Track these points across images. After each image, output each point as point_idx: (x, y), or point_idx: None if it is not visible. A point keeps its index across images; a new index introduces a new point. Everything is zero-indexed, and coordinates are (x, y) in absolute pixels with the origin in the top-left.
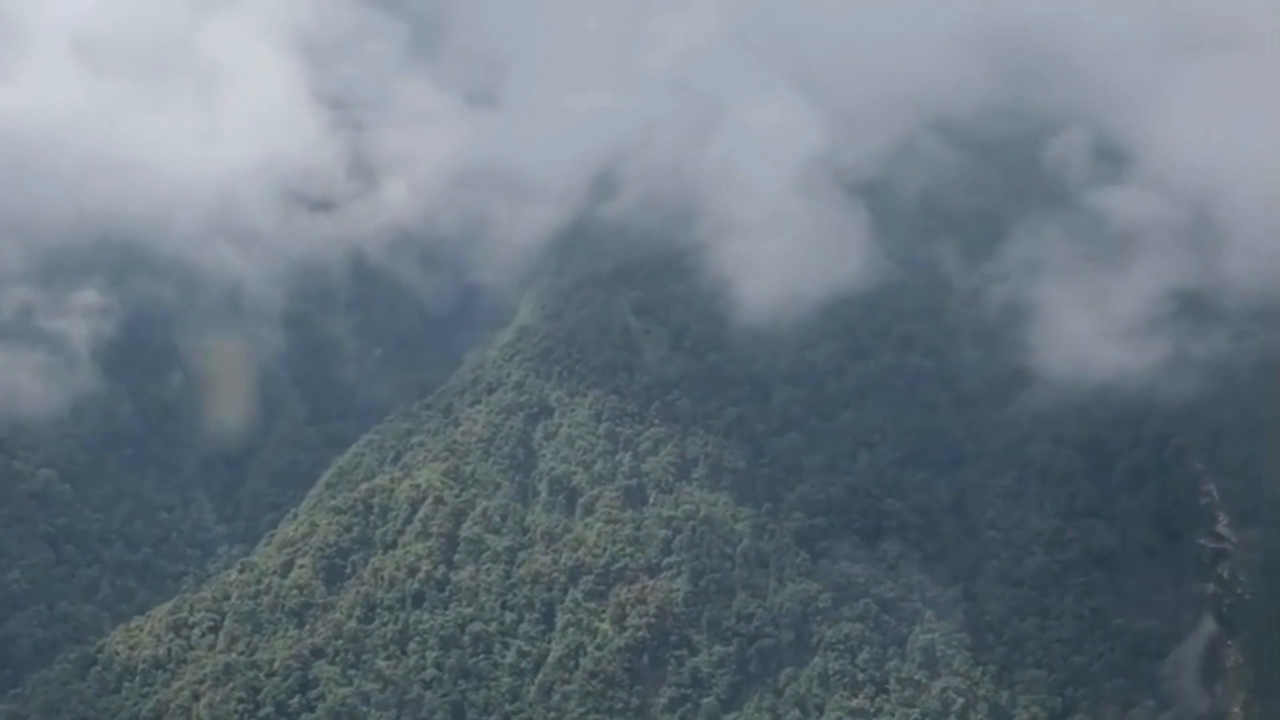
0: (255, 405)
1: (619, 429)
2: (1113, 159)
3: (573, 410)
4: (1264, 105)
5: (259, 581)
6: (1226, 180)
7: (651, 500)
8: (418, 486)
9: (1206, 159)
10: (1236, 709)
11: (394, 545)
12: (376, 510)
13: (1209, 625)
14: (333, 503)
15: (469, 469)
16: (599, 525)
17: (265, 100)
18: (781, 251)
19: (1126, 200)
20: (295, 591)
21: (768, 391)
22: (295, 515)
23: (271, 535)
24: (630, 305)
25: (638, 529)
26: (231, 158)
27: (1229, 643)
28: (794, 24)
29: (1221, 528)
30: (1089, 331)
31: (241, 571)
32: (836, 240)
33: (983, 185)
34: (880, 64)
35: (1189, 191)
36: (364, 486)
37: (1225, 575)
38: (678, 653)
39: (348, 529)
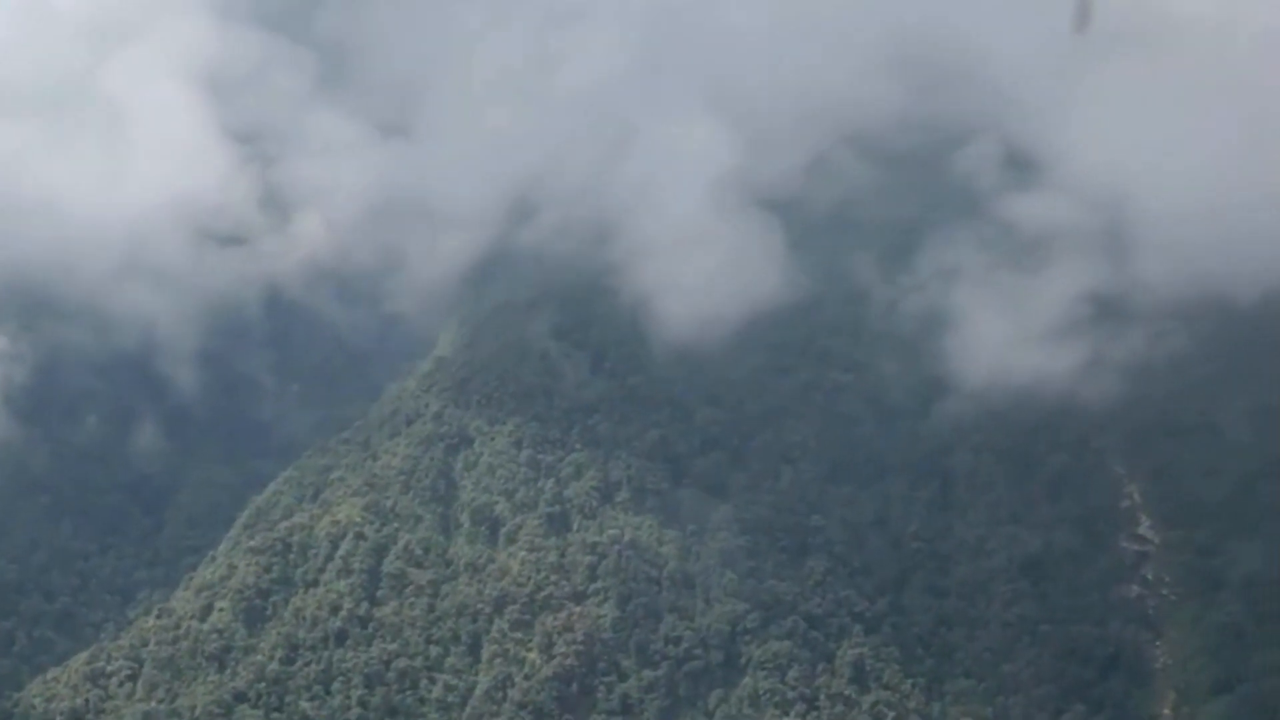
0: (172, 447)
1: (540, 456)
2: (1023, 167)
3: (493, 439)
4: (1170, 107)
5: (177, 627)
6: (1136, 183)
7: (575, 526)
8: (337, 523)
9: (1115, 163)
10: (1166, 710)
11: (315, 584)
12: (296, 549)
13: (1136, 628)
14: (251, 543)
15: (389, 503)
16: (523, 554)
17: (173, 138)
18: (699, 270)
19: (1038, 207)
20: (215, 635)
21: (689, 412)
22: (214, 558)
23: (190, 579)
24: (549, 330)
25: (562, 556)
26: (140, 197)
27: (1156, 644)
28: (705, 42)
29: (1144, 530)
30: (1006, 338)
31: (159, 617)
32: (753, 257)
33: (896, 197)
34: (791, 80)
35: (1100, 196)
36: (283, 525)
37: (1150, 577)
38: (607, 679)
39: (267, 569)
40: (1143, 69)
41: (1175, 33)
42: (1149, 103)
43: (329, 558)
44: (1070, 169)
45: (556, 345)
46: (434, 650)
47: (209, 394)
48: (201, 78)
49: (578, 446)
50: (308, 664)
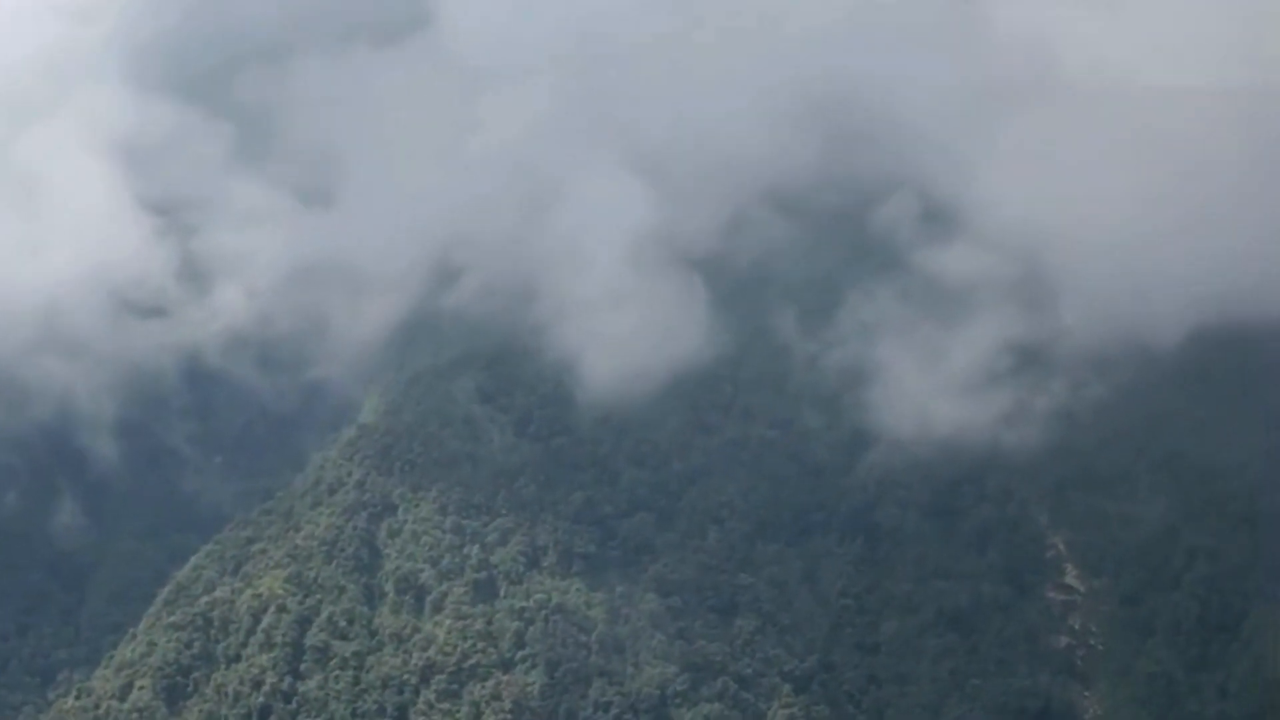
0: (92, 522)
1: (465, 521)
2: (941, 220)
3: (417, 506)
4: (1086, 156)
5: (97, 707)
6: (1054, 233)
7: (502, 593)
8: (259, 596)
9: (1033, 214)
10: None
11: (237, 659)
12: (217, 624)
13: (1066, 679)
14: (171, 619)
15: (312, 574)
16: (449, 623)
17: (90, 209)
18: (621, 329)
19: (957, 259)
20: (135, 715)
21: (615, 473)
22: (134, 635)
23: (111, 657)
24: (473, 393)
25: (489, 623)
26: (57, 269)
27: (1086, 695)
28: (623, 101)
29: (1070, 579)
30: (928, 391)
31: (78, 698)
32: (675, 315)
33: (816, 253)
34: (710, 138)
35: (1018, 247)
36: (204, 600)
37: (1077, 627)
38: None
39: (188, 645)
40: (1057, 120)
41: (1088, 84)
42: (1064, 153)
43: (251, 632)
44: (988, 221)
45: (480, 409)
46: None
47: (129, 467)
48: (118, 149)
49: (503, 511)
50: None
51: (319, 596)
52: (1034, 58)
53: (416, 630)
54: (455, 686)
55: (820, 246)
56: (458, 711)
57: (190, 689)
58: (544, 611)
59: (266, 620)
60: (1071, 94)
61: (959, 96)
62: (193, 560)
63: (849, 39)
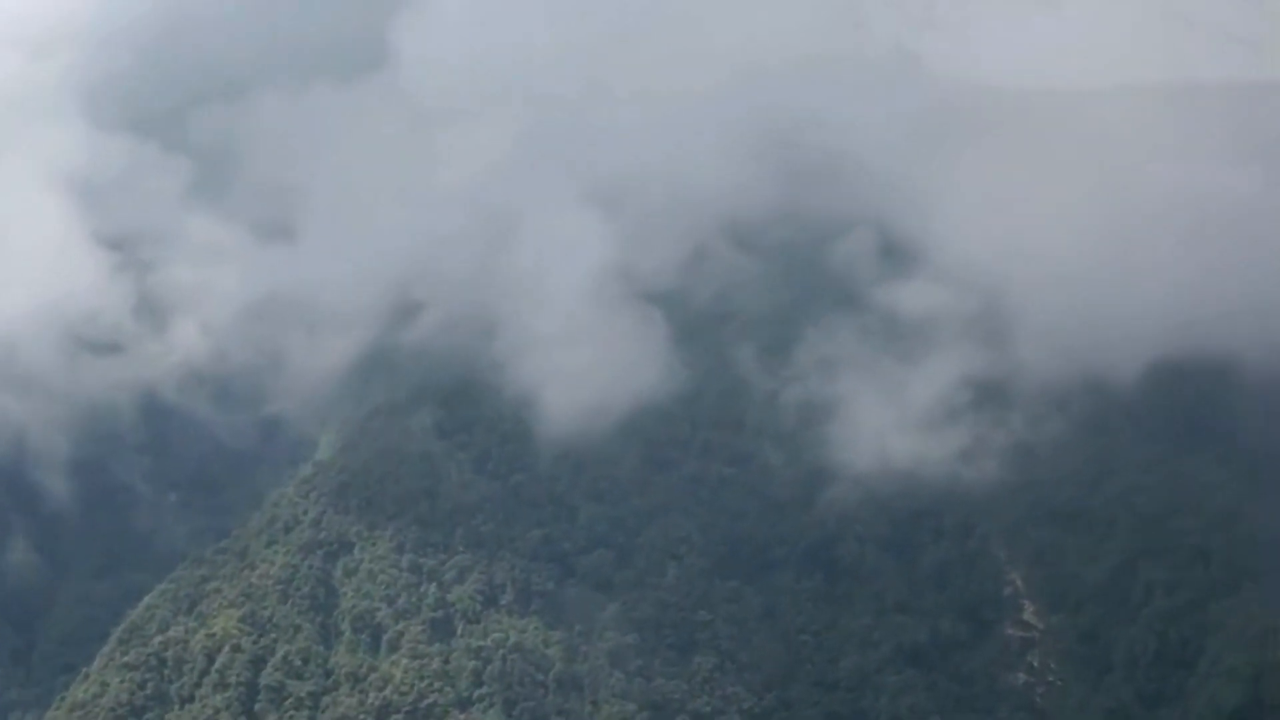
0: (45, 560)
1: (422, 559)
2: (899, 256)
3: (373, 544)
4: (1043, 192)
5: None
6: (1011, 269)
7: (459, 631)
8: (213, 636)
9: (990, 249)
10: None
11: (191, 699)
12: (171, 664)
13: (1024, 715)
14: (125, 659)
15: (267, 613)
16: (405, 661)
17: (45, 245)
18: (581, 365)
19: (915, 295)
20: None
21: (573, 510)
22: (87, 675)
23: (63, 698)
24: (431, 430)
25: (446, 662)
26: (11, 305)
27: None
28: (581, 137)
29: (1028, 616)
30: (887, 426)
31: None
32: (634, 351)
33: (775, 289)
34: (669, 174)
35: (975, 282)
36: (157, 640)
37: (1035, 664)
38: None
39: (141, 686)
40: (1016, 156)
41: (1046, 119)
42: (1022, 188)
43: (205, 672)
44: (946, 257)
45: (438, 445)
46: None
47: (83, 504)
48: (74, 184)
49: (461, 549)
50: None
51: (274, 636)
52: (990, 94)
53: (373, 669)
54: None
55: (779, 282)
56: None
57: None
58: (501, 650)
59: (221, 660)
60: (1031, 131)
61: (917, 133)
62: (146, 599)
63: (807, 76)
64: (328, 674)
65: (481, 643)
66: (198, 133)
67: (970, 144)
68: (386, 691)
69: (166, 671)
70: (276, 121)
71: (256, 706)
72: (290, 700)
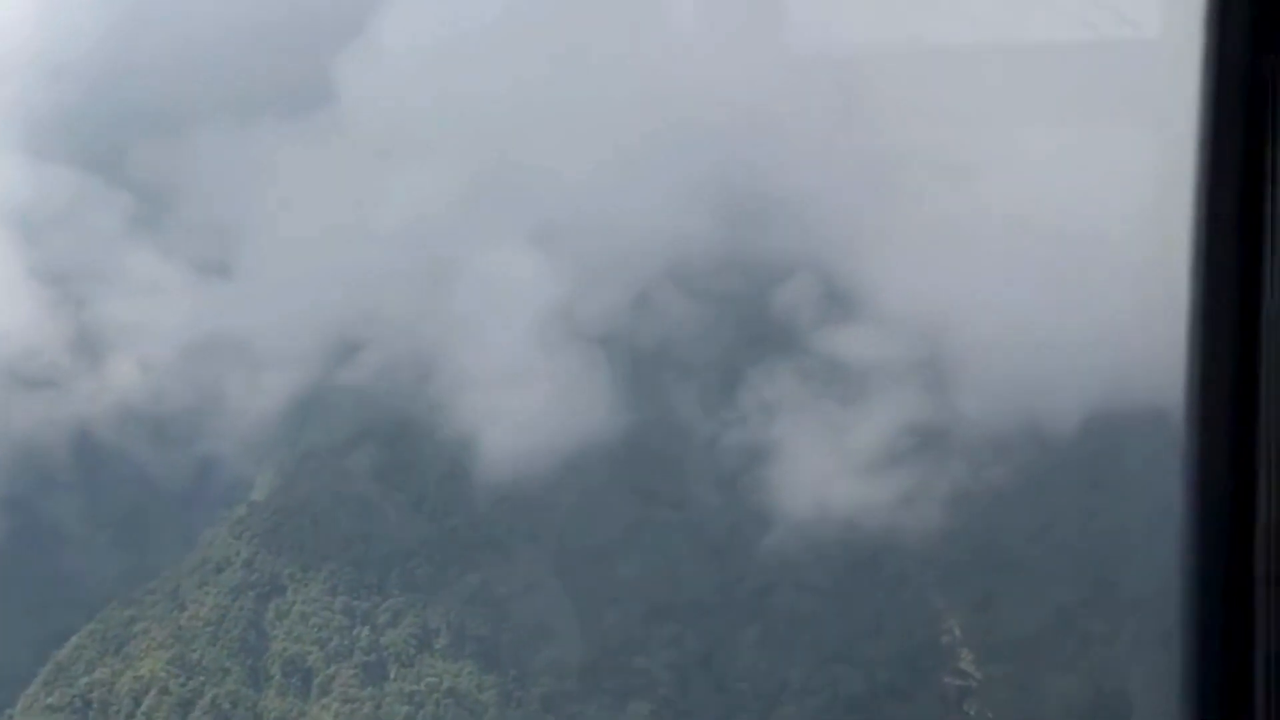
0: None
1: (356, 602)
2: (840, 302)
3: (306, 586)
4: (985, 240)
5: None
6: (953, 316)
7: (392, 675)
8: (140, 678)
9: (932, 296)
10: None
11: None
12: (96, 706)
13: None
14: (49, 701)
15: (195, 655)
16: (336, 706)
17: None
18: (521, 407)
19: (856, 341)
20: None
21: (510, 553)
22: (10, 717)
23: None
24: (368, 471)
25: (378, 707)
26: None
27: None
28: (525, 177)
29: (965, 664)
30: (828, 472)
31: None
32: (576, 393)
33: (717, 333)
34: (612, 216)
35: (917, 329)
36: (83, 681)
37: (972, 713)
38: None
39: None
40: (956, 201)
41: (989, 165)
42: (964, 235)
43: (131, 715)
44: (887, 304)
45: (375, 487)
46: None
47: (12, 543)
48: (11, 219)
49: (395, 592)
50: None
51: (202, 679)
52: (934, 139)
53: (303, 714)
54: None
55: (721, 326)
56: None
57: None
58: (435, 695)
59: (147, 703)
60: (971, 176)
61: (859, 180)
62: (73, 639)
63: (750, 119)
64: (257, 718)
65: (415, 687)
66: (140, 169)
67: (914, 191)
68: None
69: (92, 714)
70: (219, 159)
71: None
72: None
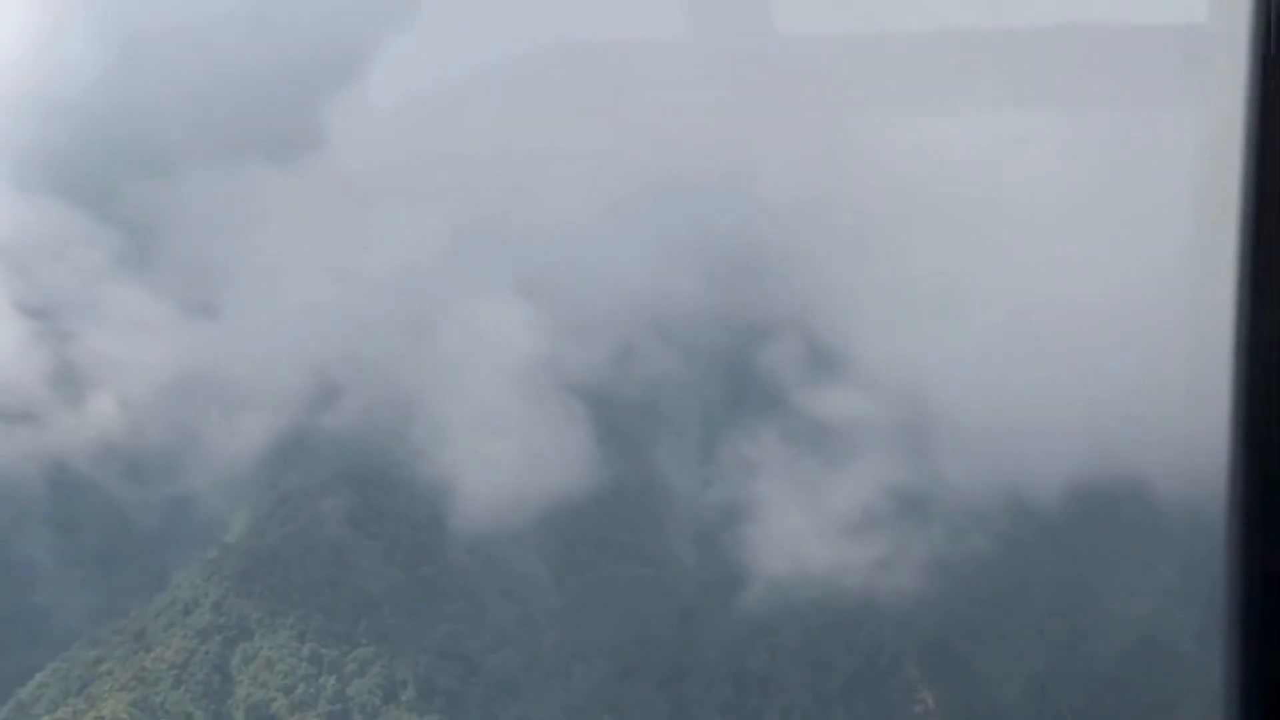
0: None
1: (323, 650)
2: (823, 362)
3: (274, 631)
4: (971, 302)
5: None
6: (936, 378)
7: None
8: (101, 719)
9: (916, 358)
10: None
11: None
12: None
13: None
14: None
15: (159, 698)
16: None
17: None
18: (500, 457)
19: (839, 401)
20: None
21: (482, 606)
22: None
23: None
24: (343, 517)
25: None
26: None
27: None
28: (513, 228)
29: None
30: (805, 534)
31: None
32: (555, 445)
33: (699, 389)
34: (598, 268)
35: (900, 391)
36: None
37: None
38: None
39: None
40: (942, 264)
41: (973, 226)
42: (948, 299)
43: None
44: (870, 365)
45: (349, 533)
46: None
47: None
48: None
49: (364, 641)
50: None
51: None
52: (923, 201)
53: None
54: None
55: (704, 382)
56: None
57: None
58: None
59: None
60: (958, 236)
61: (845, 239)
62: (37, 678)
63: (738, 176)
64: None
65: None
66: (127, 204)
67: (900, 252)
68: None
69: None
70: (207, 198)
71: None
72: None
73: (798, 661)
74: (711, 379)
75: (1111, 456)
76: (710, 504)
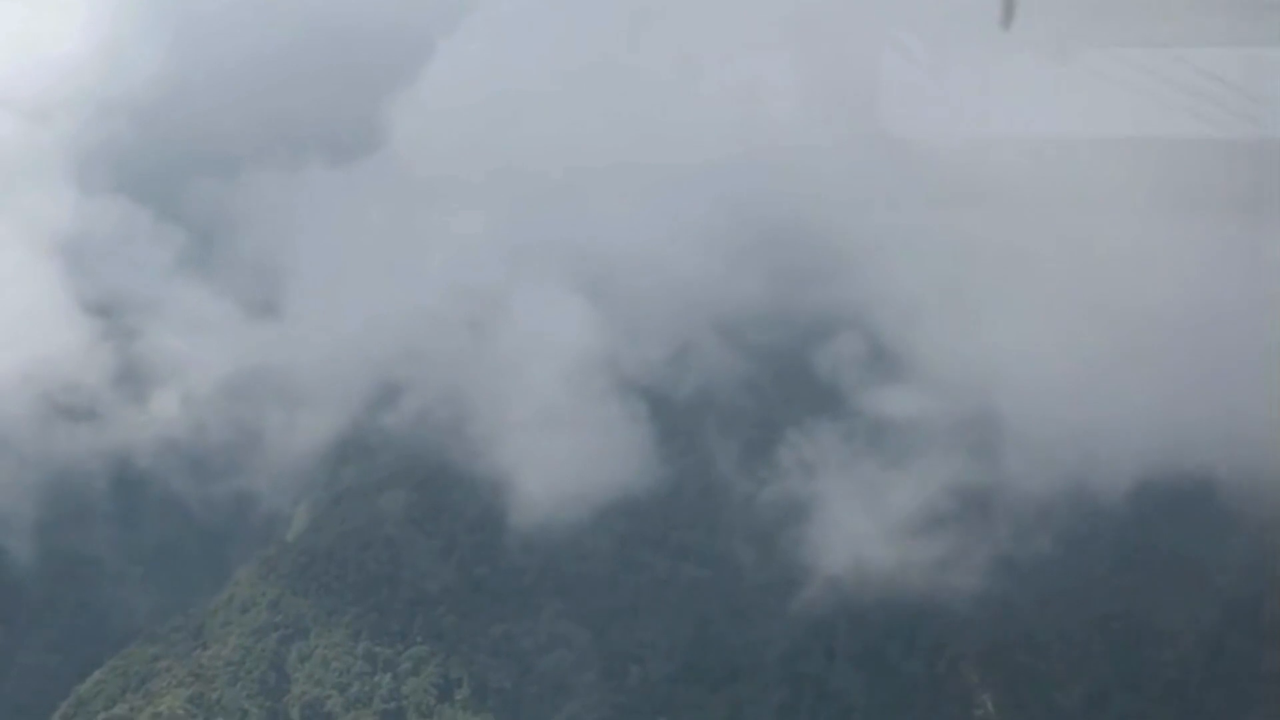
0: (1, 630)
1: (378, 648)
2: (885, 361)
3: (330, 630)
4: (1033, 304)
5: None
6: (1000, 377)
7: None
8: (159, 715)
9: (979, 357)
10: None
11: None
12: None
13: None
14: None
15: (215, 695)
16: None
17: (28, 309)
18: (558, 455)
19: (900, 400)
20: None
21: (537, 606)
22: None
23: None
24: (400, 515)
25: None
26: None
27: None
28: (571, 224)
29: None
30: (866, 535)
31: None
32: (613, 444)
33: (759, 388)
34: (658, 265)
35: (963, 390)
36: (100, 717)
37: None
38: None
39: None
40: (1006, 264)
41: (1036, 231)
42: (1012, 299)
43: None
44: (933, 364)
45: (405, 531)
46: None
47: (46, 574)
48: (62, 249)
49: (419, 640)
50: None
51: (220, 719)
52: (986, 205)
53: None
54: None
55: (764, 381)
56: None
57: None
58: None
59: None
60: (1019, 239)
61: (908, 238)
62: (96, 674)
63: (800, 175)
64: None
65: None
66: (191, 204)
67: (962, 252)
68: None
69: None
70: (269, 197)
71: None
72: None
73: (856, 664)
74: (771, 377)
75: (1179, 455)
76: (769, 503)
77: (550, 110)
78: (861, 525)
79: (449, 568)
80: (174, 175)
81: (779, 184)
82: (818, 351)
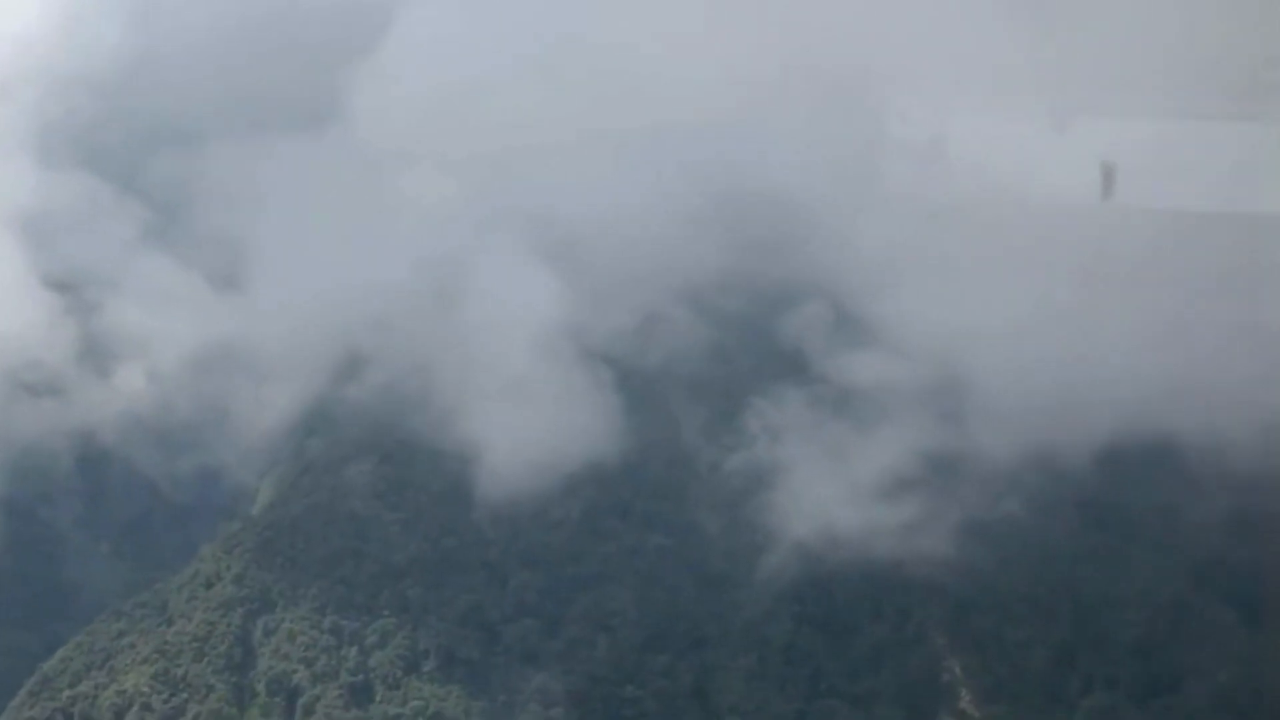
0: None
1: (344, 622)
2: (851, 328)
3: (295, 604)
4: (999, 270)
5: None
6: (966, 344)
7: (378, 697)
8: (124, 692)
9: (945, 323)
10: None
11: None
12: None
13: None
14: (30, 713)
15: (180, 671)
16: None
17: None
18: (524, 425)
19: (866, 367)
20: None
21: (504, 576)
22: None
23: None
24: (365, 488)
25: None
26: None
27: None
28: (534, 194)
29: (964, 704)
30: (831, 501)
31: None
32: (579, 414)
33: (724, 356)
34: (623, 234)
35: (929, 356)
36: (65, 694)
37: None
38: None
39: None
40: (973, 231)
41: (1008, 197)
42: (978, 265)
43: None
44: (899, 330)
45: (370, 504)
46: None
47: (11, 550)
48: (22, 224)
49: (385, 613)
50: None
51: (185, 695)
52: (951, 168)
53: None
54: None
55: (730, 349)
56: None
57: None
58: (420, 718)
59: (129, 718)
60: (989, 205)
61: (874, 205)
62: (61, 651)
63: (766, 143)
64: None
65: (400, 710)
66: (153, 178)
67: (928, 217)
68: None
69: None
70: (231, 171)
71: None
72: None
73: (823, 630)
74: (737, 345)
75: (1145, 422)
76: (735, 471)
77: (513, 79)
78: (828, 491)
79: (415, 539)
80: (135, 149)
81: (744, 152)
82: (784, 319)
